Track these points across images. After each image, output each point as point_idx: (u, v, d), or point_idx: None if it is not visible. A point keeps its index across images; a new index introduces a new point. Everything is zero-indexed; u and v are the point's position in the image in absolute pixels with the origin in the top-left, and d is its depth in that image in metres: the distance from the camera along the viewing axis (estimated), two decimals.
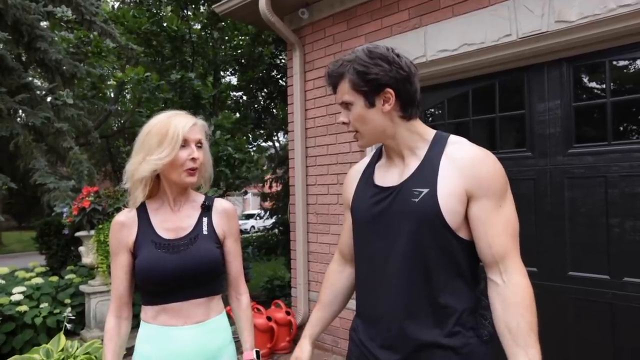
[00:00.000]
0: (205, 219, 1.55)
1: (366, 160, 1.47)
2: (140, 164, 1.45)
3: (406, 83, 1.25)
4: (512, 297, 1.18)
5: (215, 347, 1.52)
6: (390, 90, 1.23)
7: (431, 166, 1.24)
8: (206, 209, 1.57)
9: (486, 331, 1.24)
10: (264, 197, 9.45)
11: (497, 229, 1.19)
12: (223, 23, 5.39)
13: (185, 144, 1.44)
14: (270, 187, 8.77)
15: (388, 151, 1.36)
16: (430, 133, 1.32)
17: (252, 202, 30.25)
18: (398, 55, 1.25)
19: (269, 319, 4.04)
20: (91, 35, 6.71)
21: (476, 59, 3.06)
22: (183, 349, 1.45)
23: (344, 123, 1.31)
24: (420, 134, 1.30)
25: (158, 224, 1.50)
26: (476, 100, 3.24)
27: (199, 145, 1.49)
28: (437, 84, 3.39)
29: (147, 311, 1.50)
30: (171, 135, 1.42)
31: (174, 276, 1.43)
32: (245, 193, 6.72)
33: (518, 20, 2.81)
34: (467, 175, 1.20)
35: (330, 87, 1.32)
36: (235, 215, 1.64)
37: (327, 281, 1.55)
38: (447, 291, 1.21)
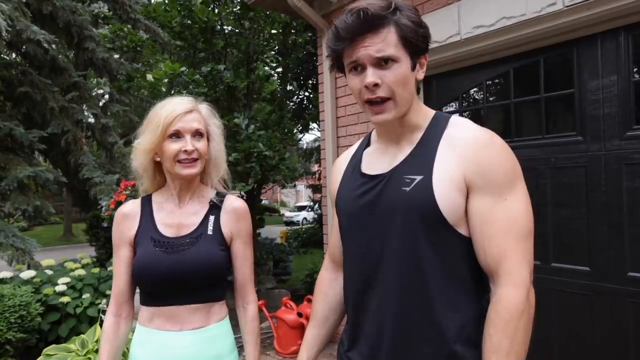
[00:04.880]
0: (212, 218, 1.43)
1: (354, 148, 1.28)
2: (133, 151, 1.41)
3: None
4: (491, 312, 0.97)
5: (214, 356, 1.39)
6: (426, 56, 1.06)
7: (427, 150, 1.04)
8: (214, 207, 1.45)
9: None
10: (314, 188, 9.40)
11: (496, 228, 0.97)
12: (253, 13, 5.31)
13: (178, 134, 1.33)
14: (319, 178, 8.69)
15: (382, 134, 1.16)
16: (430, 113, 1.12)
17: (304, 194, 30.52)
18: None
19: (299, 315, 3.93)
20: (125, 29, 6.92)
21: (516, 34, 2.73)
22: (178, 356, 1.34)
23: (375, 85, 1.00)
24: (422, 114, 1.11)
25: (160, 219, 1.41)
26: (518, 81, 2.91)
27: (199, 134, 1.37)
28: (473, 65, 3.09)
29: (143, 312, 1.40)
30: (156, 122, 1.34)
31: (168, 278, 1.33)
32: (284, 187, 6.66)
33: None
34: (467, 160, 0.99)
35: (352, 36, 0.99)
36: (247, 215, 1.50)
37: (319, 293, 1.35)
38: (444, 300, 1.01)
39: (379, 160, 1.14)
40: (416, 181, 1.02)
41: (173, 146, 1.33)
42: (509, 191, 0.99)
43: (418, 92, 1.13)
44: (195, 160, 1.36)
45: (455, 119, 1.09)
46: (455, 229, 1.01)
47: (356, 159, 1.21)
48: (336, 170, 1.29)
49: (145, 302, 1.40)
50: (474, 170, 0.99)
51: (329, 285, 1.34)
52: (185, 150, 1.33)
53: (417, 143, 1.08)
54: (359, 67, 1.03)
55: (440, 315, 1.00)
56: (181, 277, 1.33)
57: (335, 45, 1.04)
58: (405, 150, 1.08)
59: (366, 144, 1.24)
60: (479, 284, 1.05)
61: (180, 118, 1.34)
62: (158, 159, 1.39)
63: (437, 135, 1.06)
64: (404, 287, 1.03)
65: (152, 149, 1.35)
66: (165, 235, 1.38)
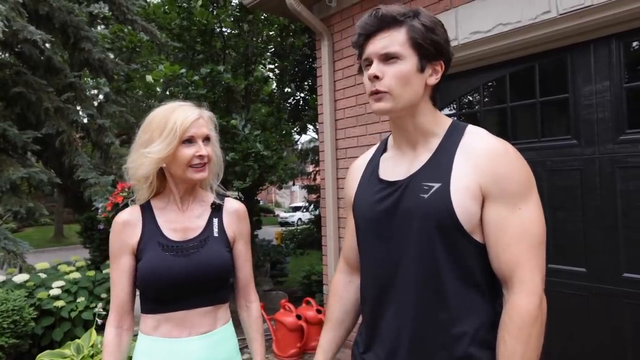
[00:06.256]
0: (215, 220, 1.45)
1: (370, 153, 1.31)
2: (139, 159, 1.36)
3: (450, 62, 1.11)
4: (505, 317, 1.01)
5: None
6: (442, 63, 1.09)
7: (445, 158, 1.08)
8: (216, 209, 1.47)
9: None
10: (309, 189, 9.43)
11: (510, 236, 1.01)
12: (252, 16, 5.34)
13: (191, 140, 1.35)
14: (314, 179, 8.72)
15: (398, 139, 1.19)
16: (447, 122, 1.15)
17: (299, 195, 30.48)
18: None
19: (298, 317, 3.94)
20: (125, 30, 6.92)
21: (512, 40, 2.79)
22: None
23: (375, 77, 1.06)
24: (438, 122, 1.14)
25: (164, 224, 1.40)
26: (514, 85, 2.97)
27: (207, 139, 1.40)
28: (470, 69, 3.15)
29: (147, 321, 1.38)
30: (169, 129, 1.33)
31: (180, 281, 1.33)
32: (281, 187, 6.68)
33: None
34: (483, 170, 1.03)
35: (367, 33, 1.08)
36: (246, 217, 1.54)
37: (334, 295, 1.36)
38: (459, 304, 1.04)
39: (396, 166, 1.17)
40: (434, 188, 1.05)
41: (187, 151, 1.34)
42: (524, 201, 1.02)
43: (435, 102, 1.15)
44: (205, 164, 1.38)
45: (471, 128, 1.12)
46: (471, 235, 1.04)
47: (373, 164, 1.24)
48: (352, 174, 1.31)
49: (150, 310, 1.38)
50: (490, 179, 1.02)
51: (344, 288, 1.36)
52: (200, 155, 1.35)
53: (434, 150, 1.10)
54: (369, 64, 1.10)
55: (456, 319, 1.04)
56: (192, 280, 1.34)
57: (355, 43, 1.12)
58: (423, 157, 1.11)
59: (383, 149, 1.26)
60: (492, 288, 1.08)
61: (194, 123, 1.35)
62: (162, 165, 1.38)
63: (454, 144, 1.09)
64: (421, 292, 1.06)
65: (167, 156, 1.33)
66: (173, 240, 1.38)
